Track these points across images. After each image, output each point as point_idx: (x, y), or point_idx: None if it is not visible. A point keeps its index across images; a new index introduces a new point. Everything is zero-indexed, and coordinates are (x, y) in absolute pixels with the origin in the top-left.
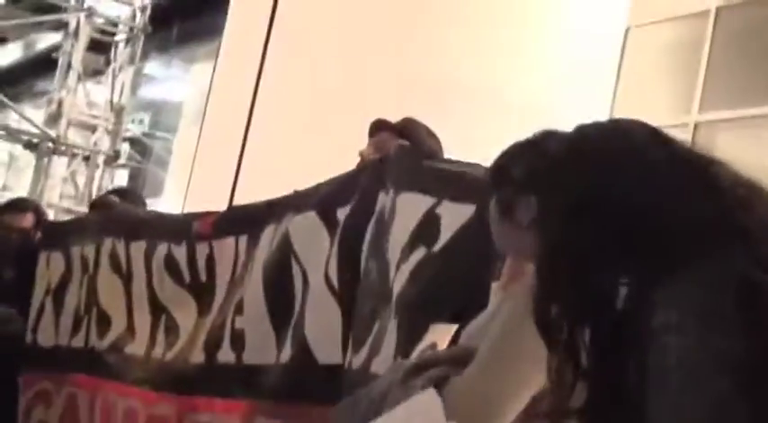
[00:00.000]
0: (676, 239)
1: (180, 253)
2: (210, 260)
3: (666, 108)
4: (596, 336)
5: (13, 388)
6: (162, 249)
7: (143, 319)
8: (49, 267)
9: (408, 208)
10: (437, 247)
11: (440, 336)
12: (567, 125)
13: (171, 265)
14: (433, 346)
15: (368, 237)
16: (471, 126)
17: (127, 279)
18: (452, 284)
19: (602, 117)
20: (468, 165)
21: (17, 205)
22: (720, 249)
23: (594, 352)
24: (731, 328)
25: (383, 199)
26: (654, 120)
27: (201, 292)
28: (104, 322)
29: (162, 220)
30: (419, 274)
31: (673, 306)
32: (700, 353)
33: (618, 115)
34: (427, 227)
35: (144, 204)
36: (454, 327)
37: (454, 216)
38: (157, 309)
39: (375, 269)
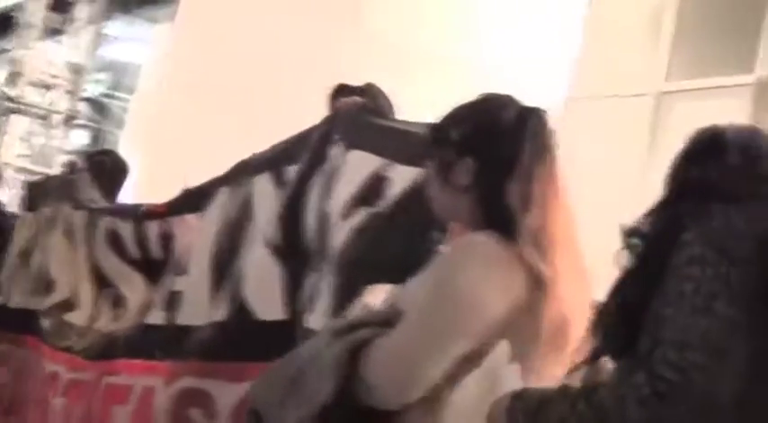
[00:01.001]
0: (706, 194)
1: (125, 229)
2: (166, 238)
3: (631, 77)
4: (639, 271)
5: None
6: (104, 223)
7: (87, 289)
8: (24, 228)
9: (356, 166)
10: (381, 208)
11: (374, 297)
12: (526, 93)
13: (114, 241)
14: (366, 306)
15: (312, 191)
16: (431, 93)
17: (72, 245)
18: (393, 247)
19: (565, 85)
20: (422, 125)
21: None
22: (737, 205)
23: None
24: (748, 264)
25: (332, 153)
26: (618, 89)
27: (153, 270)
28: (49, 285)
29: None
30: (360, 234)
31: (697, 243)
32: (716, 281)
33: (581, 84)
34: (373, 187)
35: (123, 171)
36: (388, 287)
37: (401, 179)
38: (102, 281)
39: (315, 224)
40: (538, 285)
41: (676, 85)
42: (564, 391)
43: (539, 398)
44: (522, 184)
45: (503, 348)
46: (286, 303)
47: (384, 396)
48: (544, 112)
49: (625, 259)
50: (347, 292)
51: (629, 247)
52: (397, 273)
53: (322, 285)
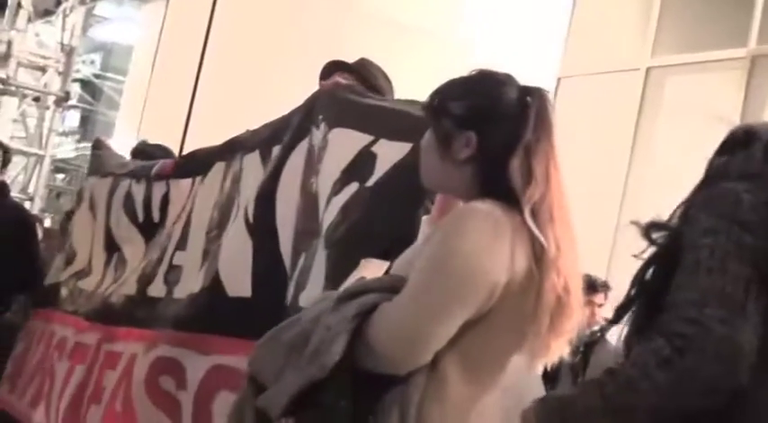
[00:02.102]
0: (721, 179)
1: (138, 190)
2: (165, 200)
3: (619, 53)
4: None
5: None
6: (123, 187)
7: (99, 256)
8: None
9: (342, 144)
10: (370, 182)
11: (370, 271)
12: (519, 72)
13: (128, 203)
14: (362, 280)
15: (288, 171)
16: (424, 72)
17: (94, 216)
18: (384, 219)
19: (554, 62)
20: (408, 103)
21: None
22: (745, 180)
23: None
24: (760, 228)
25: (314, 132)
26: (606, 64)
27: (151, 231)
28: (72, 255)
29: (134, 163)
30: (351, 209)
31: (709, 216)
32: (729, 244)
33: (570, 60)
34: (362, 163)
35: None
36: (386, 263)
37: (390, 153)
38: (112, 246)
39: (301, 204)
40: (539, 257)
41: (665, 60)
42: (585, 383)
43: (561, 395)
44: (525, 160)
45: (518, 363)
46: (252, 281)
47: (388, 361)
48: (546, 91)
49: (648, 249)
50: (341, 267)
51: (654, 243)
52: (387, 246)
53: (314, 263)
